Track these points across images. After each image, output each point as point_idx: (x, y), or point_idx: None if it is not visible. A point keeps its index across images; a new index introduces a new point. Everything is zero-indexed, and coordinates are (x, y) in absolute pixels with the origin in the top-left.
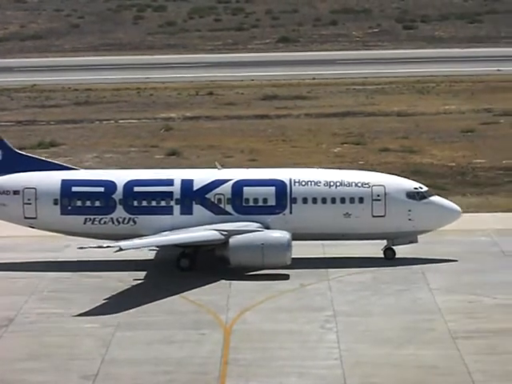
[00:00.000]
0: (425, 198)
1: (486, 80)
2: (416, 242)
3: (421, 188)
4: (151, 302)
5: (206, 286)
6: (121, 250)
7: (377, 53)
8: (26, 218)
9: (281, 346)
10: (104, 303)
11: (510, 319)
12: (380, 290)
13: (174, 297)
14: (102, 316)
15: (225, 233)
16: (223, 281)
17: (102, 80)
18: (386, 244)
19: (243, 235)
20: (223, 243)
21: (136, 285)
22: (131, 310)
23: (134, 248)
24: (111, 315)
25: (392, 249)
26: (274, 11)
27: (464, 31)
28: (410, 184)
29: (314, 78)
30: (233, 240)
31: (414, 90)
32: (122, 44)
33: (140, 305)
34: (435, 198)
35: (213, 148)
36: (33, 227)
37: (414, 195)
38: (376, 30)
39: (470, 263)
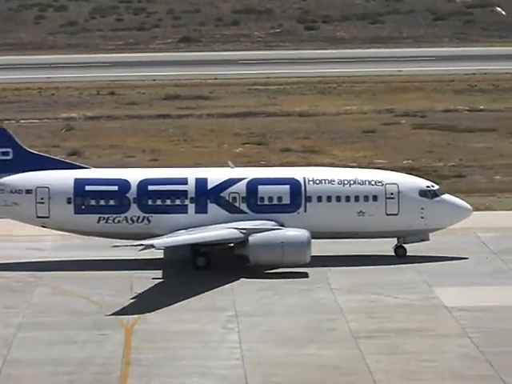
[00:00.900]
0: (437, 196)
1: (387, 80)
2: (427, 239)
3: (433, 186)
4: (54, 302)
5: (110, 287)
6: (153, 247)
7: (278, 53)
8: (38, 217)
9: (183, 345)
10: (6, 304)
11: (410, 319)
12: (282, 289)
13: (76, 297)
14: (3, 316)
15: (245, 231)
16: (127, 282)
17: (3, 80)
18: (396, 242)
19: (263, 233)
20: (242, 241)
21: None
22: (33, 311)
23: (166, 246)
24: (13, 316)
25: (403, 247)
26: (175, 11)
27: (365, 32)
28: (423, 182)
29: (215, 78)
30: (252, 238)
31: (316, 91)
32: (23, 44)
33: (43, 305)
34: (447, 196)
35: (114, 148)
36: (45, 226)
37: (426, 193)
38: (278, 31)
39: (371, 263)
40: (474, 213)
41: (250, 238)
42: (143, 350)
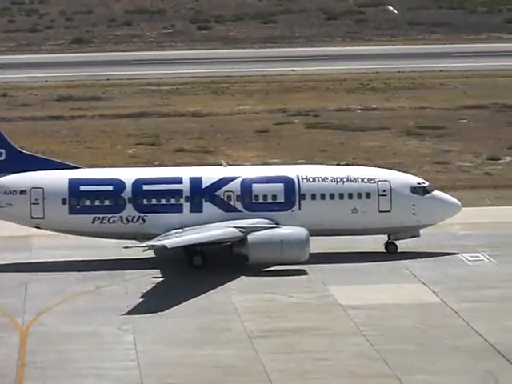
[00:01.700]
0: (428, 192)
1: (280, 80)
2: (418, 236)
3: (423, 183)
4: None
5: (4, 290)
6: (165, 248)
7: (171, 53)
8: (32, 218)
9: (78, 347)
10: None
11: (305, 318)
12: (177, 290)
13: None
14: None
15: (243, 230)
16: (19, 283)
17: None
18: (387, 239)
19: (261, 232)
20: (241, 240)
21: None
22: None
23: (178, 245)
24: None
25: (394, 243)
26: (67, 12)
27: (258, 31)
28: (414, 179)
29: (108, 79)
30: (251, 237)
31: (209, 91)
32: None
33: None
34: (437, 193)
35: None
36: (39, 227)
37: (417, 190)
38: (170, 31)
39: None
40: None
41: (249, 237)
42: (39, 353)
